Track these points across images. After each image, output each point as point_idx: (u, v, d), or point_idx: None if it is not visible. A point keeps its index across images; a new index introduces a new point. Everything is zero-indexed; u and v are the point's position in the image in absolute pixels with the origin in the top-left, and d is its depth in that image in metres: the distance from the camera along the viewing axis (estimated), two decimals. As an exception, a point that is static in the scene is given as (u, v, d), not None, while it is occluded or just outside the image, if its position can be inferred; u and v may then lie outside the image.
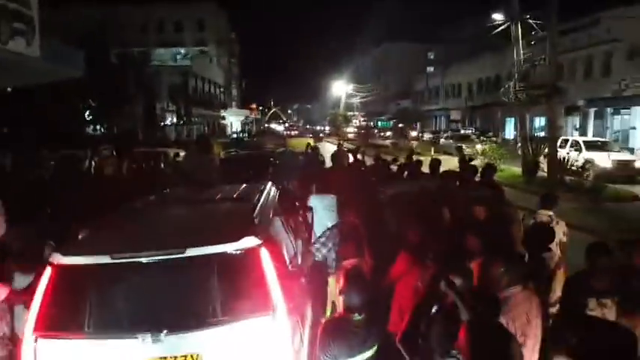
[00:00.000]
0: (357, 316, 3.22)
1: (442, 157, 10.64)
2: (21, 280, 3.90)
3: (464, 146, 23.37)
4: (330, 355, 3.15)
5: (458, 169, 8.22)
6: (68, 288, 3.27)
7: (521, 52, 18.84)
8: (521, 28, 18.50)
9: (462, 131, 38.82)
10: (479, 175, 7.38)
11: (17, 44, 6.89)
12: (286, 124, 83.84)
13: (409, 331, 3.02)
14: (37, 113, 19.84)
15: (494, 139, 22.79)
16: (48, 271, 3.27)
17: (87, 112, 28.45)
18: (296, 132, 62.62)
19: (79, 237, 3.82)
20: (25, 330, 3.21)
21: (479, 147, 21.74)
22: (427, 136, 43.80)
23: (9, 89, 12.86)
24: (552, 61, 16.77)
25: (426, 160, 9.94)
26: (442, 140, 33.63)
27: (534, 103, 18.64)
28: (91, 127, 30.59)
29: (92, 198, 6.73)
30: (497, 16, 21.08)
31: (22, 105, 18.37)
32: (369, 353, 3.22)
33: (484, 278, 3.09)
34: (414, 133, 46.60)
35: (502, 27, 19.48)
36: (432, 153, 23.63)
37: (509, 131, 40.13)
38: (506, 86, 21.03)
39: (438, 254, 3.33)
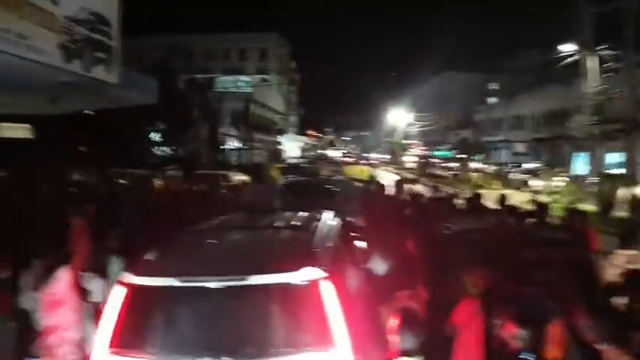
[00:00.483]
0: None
1: (508, 192, 10.23)
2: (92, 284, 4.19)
3: (531, 182, 22.44)
4: None
5: (526, 207, 7.75)
6: (137, 307, 3.36)
7: (593, 84, 18.05)
8: (593, 60, 17.78)
9: (525, 165, 37.35)
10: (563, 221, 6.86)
11: (98, 71, 7.42)
12: (344, 151, 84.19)
13: None
14: (111, 135, 21.09)
15: (564, 174, 21.62)
16: (120, 290, 3.39)
17: (155, 135, 29.93)
18: (353, 159, 62.75)
19: (149, 257, 3.95)
20: (98, 346, 3.33)
21: (553, 183, 20.64)
22: (491, 168, 42.53)
23: (89, 112, 13.82)
24: (630, 94, 15.91)
25: (489, 194, 9.59)
26: (511, 175, 32.25)
27: (610, 138, 17.68)
28: (159, 149, 32.11)
29: (159, 217, 6.99)
30: (565, 47, 20.42)
31: (99, 127, 19.62)
32: None
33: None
34: (474, 165, 45.17)
35: (572, 58, 18.78)
36: (496, 186, 22.77)
37: (578, 166, 38.23)
38: (577, 120, 20.13)
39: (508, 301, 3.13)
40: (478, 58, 69.47)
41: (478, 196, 8.77)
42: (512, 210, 7.08)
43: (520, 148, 50.65)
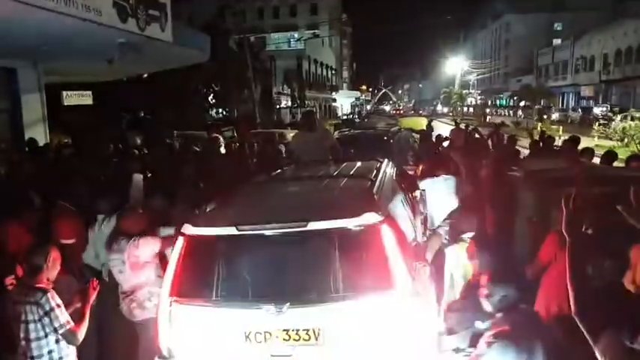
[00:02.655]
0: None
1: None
2: (164, 232, 4.36)
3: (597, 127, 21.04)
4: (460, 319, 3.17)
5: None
6: (198, 257, 3.42)
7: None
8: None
9: (595, 110, 34.93)
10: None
11: (153, 30, 7.46)
12: (400, 104, 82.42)
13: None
14: (166, 99, 21.63)
15: (637, 115, 19.94)
16: (180, 241, 3.44)
17: (210, 97, 30.41)
18: (409, 111, 61.34)
19: (208, 209, 4.00)
20: (162, 294, 3.44)
21: (620, 125, 19.13)
22: (554, 115, 40.17)
23: (145, 75, 14.15)
24: None
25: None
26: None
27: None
28: (214, 110, 32.71)
29: (219, 174, 7.11)
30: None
31: (154, 91, 20.14)
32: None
33: None
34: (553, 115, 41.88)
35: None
36: (563, 133, 21.42)
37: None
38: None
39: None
40: (542, -4, 64.17)
41: (545, 139, 8.29)
42: (583, 151, 6.65)
43: (588, 91, 47.42)
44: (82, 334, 3.33)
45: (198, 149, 9.95)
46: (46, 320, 3.16)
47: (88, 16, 5.80)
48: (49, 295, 3.18)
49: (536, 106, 44.48)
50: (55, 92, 12.35)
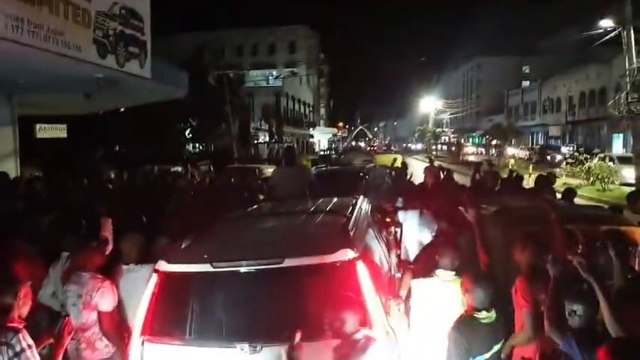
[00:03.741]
0: (485, 314, 3.27)
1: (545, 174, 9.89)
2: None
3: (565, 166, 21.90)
4: (464, 350, 3.18)
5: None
6: (172, 294, 3.37)
7: (635, 60, 17.20)
8: (634, 33, 16.92)
9: (563, 149, 36.16)
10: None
11: (132, 66, 7.52)
12: (375, 141, 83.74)
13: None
14: (142, 133, 21.56)
15: (601, 155, 20.85)
16: (154, 278, 3.39)
17: (187, 131, 30.43)
18: (384, 148, 62.34)
19: (181, 245, 3.96)
20: (133, 333, 3.35)
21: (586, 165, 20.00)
22: (523, 153, 41.41)
23: (122, 109, 14.13)
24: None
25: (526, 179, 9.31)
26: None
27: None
28: (191, 145, 32.65)
29: (192, 209, 7.05)
30: (604, 23, 19.46)
31: (131, 124, 20.07)
32: (498, 347, 3.30)
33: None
34: (512, 151, 43.76)
35: (610, 34, 17.92)
36: (533, 171, 22.14)
37: (617, 148, 36.81)
38: (617, 98, 19.27)
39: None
40: (510, 41, 67.15)
41: (512, 177, 8.56)
42: (550, 189, 6.95)
43: (555, 131, 49.13)
44: None
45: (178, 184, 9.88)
46: None
47: (67, 52, 5.83)
48: (20, 335, 3.06)
49: (506, 145, 45.81)
50: (29, 124, 12.16)
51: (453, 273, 3.86)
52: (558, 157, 32.78)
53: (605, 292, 2.63)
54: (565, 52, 52.66)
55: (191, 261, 3.42)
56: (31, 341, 3.10)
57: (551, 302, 2.95)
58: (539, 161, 32.05)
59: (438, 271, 3.96)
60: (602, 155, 20.83)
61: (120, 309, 3.96)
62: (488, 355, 3.24)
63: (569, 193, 7.11)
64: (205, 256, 3.36)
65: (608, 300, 2.59)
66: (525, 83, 65.17)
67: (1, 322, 3.09)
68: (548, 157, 34.88)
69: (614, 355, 1.92)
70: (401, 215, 6.08)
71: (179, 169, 15.13)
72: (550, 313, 2.86)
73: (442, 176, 8.43)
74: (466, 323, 3.30)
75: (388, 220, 6.35)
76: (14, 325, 3.11)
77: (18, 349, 3.02)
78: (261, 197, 7.29)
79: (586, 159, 20.33)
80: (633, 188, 11.32)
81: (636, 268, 3.75)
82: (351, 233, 3.75)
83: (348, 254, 3.22)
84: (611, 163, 20.27)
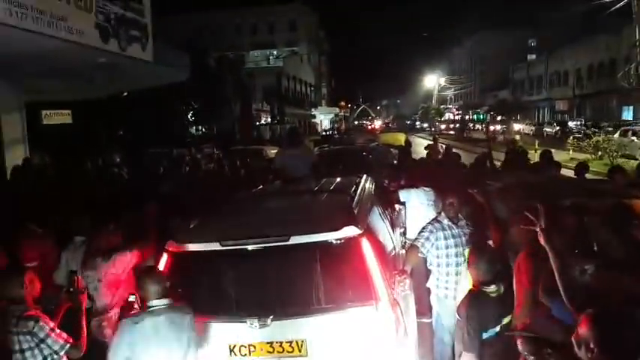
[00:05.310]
0: (492, 287, 3.31)
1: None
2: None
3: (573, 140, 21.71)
4: (472, 327, 3.23)
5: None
6: (182, 273, 3.51)
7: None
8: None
9: (571, 123, 35.78)
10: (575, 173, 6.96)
11: (134, 50, 7.56)
12: (378, 120, 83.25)
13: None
14: (146, 117, 21.62)
15: (609, 129, 20.58)
16: (164, 257, 3.54)
17: (189, 114, 30.40)
18: (388, 126, 61.94)
19: (191, 226, 4.10)
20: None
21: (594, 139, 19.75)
22: (529, 128, 41.13)
23: (125, 94, 14.18)
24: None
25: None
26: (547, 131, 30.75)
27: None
28: (193, 128, 32.66)
29: (198, 192, 7.20)
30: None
31: (134, 109, 20.13)
32: (506, 320, 3.31)
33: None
34: (517, 126, 43.19)
35: (620, 4, 17.58)
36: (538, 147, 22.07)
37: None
38: (627, 70, 19.01)
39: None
40: (515, 14, 66.13)
41: (517, 152, 8.60)
42: (556, 165, 6.96)
43: (562, 105, 48.75)
44: (83, 344, 3.28)
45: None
46: (44, 346, 3.10)
47: (71, 37, 5.88)
48: (40, 322, 3.11)
49: (511, 121, 45.54)
50: (34, 111, 12.28)
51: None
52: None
53: (559, 261, 2.71)
54: (572, 23, 51.89)
55: (200, 240, 3.55)
56: (51, 324, 3.17)
57: (545, 275, 2.99)
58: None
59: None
60: (624, 129, 20.28)
61: None
62: (498, 328, 3.30)
63: (582, 168, 7.02)
64: (213, 235, 3.49)
65: (560, 271, 2.68)
66: (531, 57, 64.39)
67: (18, 312, 3.14)
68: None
69: (595, 324, 1.98)
70: (404, 194, 6.17)
71: (185, 151, 15.28)
72: (545, 280, 2.96)
73: (443, 153, 8.47)
74: (476, 298, 3.36)
75: (391, 197, 6.47)
76: (31, 313, 3.16)
77: (42, 335, 3.09)
78: (271, 178, 7.38)
79: (594, 133, 20.10)
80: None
81: None
82: (355, 211, 3.87)
83: (352, 231, 3.34)
84: (634, 138, 19.79)
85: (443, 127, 60.39)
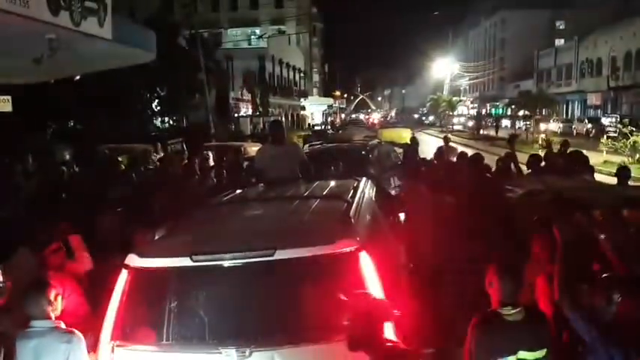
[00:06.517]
0: (511, 310, 3.31)
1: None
2: None
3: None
4: (484, 351, 3.25)
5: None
6: (145, 293, 3.48)
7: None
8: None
9: (605, 120, 36.09)
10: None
11: (89, 25, 7.45)
12: (379, 113, 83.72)
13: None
14: (102, 105, 21.50)
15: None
16: (123, 274, 3.47)
17: (154, 103, 30.29)
18: (390, 121, 62.26)
19: (156, 237, 4.05)
20: (102, 337, 3.46)
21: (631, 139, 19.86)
22: (556, 125, 41.46)
23: (77, 77, 14.03)
24: None
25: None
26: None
27: None
28: (159, 119, 32.54)
29: (163, 197, 7.15)
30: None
31: (88, 96, 19.99)
32: (525, 355, 3.29)
33: None
34: (544, 125, 43.23)
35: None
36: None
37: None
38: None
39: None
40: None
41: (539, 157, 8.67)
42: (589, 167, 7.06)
43: (595, 99, 49.28)
44: None
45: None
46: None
47: (12, 8, 5.79)
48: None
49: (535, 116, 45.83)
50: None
51: None
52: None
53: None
54: (607, 3, 52.51)
55: (167, 254, 3.51)
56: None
57: (559, 268, 3.14)
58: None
59: None
60: None
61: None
62: (511, 359, 3.30)
63: (624, 171, 7.07)
64: (184, 248, 3.45)
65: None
66: (559, 42, 65.06)
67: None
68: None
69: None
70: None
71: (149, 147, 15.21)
72: (560, 281, 3.06)
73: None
74: (489, 320, 3.37)
75: (396, 205, 6.48)
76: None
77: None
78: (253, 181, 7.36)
79: (631, 132, 20.23)
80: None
81: None
82: (353, 220, 3.86)
83: (349, 244, 3.33)
84: None
85: (455, 121, 60.69)
